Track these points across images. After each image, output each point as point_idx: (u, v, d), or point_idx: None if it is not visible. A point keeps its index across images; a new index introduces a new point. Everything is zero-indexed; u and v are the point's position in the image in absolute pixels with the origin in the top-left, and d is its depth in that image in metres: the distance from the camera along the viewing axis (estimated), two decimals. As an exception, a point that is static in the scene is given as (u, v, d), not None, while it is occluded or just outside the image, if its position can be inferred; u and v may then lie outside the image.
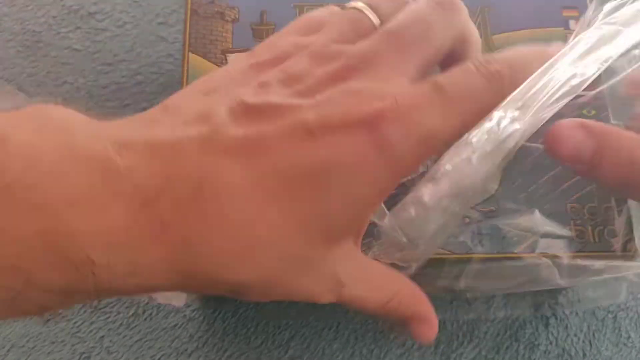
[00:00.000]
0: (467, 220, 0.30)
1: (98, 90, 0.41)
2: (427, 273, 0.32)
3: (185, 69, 0.33)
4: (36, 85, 0.41)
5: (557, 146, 0.24)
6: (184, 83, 0.32)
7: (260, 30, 0.34)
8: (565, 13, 0.35)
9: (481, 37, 0.33)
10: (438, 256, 0.30)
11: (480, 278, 0.34)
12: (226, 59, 0.33)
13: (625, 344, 0.38)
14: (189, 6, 0.34)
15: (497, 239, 0.30)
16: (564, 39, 0.34)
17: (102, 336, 0.37)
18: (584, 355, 0.37)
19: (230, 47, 0.33)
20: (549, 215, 0.30)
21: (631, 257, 0.30)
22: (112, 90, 0.41)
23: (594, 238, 0.30)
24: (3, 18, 0.43)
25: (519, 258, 0.30)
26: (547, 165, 0.31)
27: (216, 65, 0.33)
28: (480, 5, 0.35)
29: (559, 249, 0.30)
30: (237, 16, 0.34)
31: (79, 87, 0.41)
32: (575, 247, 0.30)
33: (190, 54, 0.33)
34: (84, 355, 0.36)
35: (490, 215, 0.30)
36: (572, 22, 0.35)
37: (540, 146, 0.25)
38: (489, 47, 0.34)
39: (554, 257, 0.30)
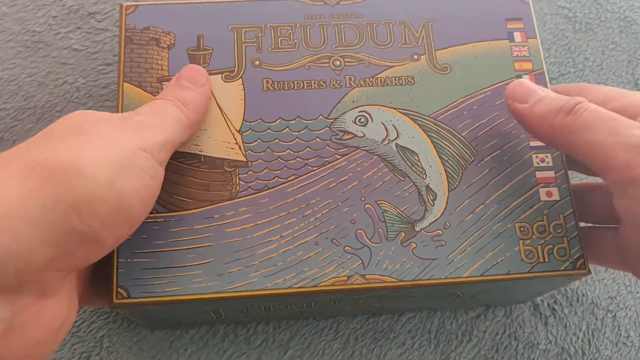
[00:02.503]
0: (414, 245, 0.30)
1: (98, 90, 0.41)
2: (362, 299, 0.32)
3: (120, 99, 0.31)
4: (36, 85, 0.41)
5: (517, 86, 0.30)
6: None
7: (197, 56, 0.33)
8: (510, 25, 0.34)
9: (425, 53, 0.33)
10: (381, 285, 0.29)
11: (424, 300, 0.34)
12: (162, 88, 0.32)
13: (624, 343, 0.38)
14: (123, 33, 0.33)
15: (444, 264, 0.30)
16: (509, 52, 0.34)
17: (102, 336, 0.36)
18: (583, 354, 0.37)
19: (167, 74, 0.32)
20: (498, 236, 0.30)
21: (582, 276, 0.30)
22: (112, 90, 0.41)
23: (544, 258, 0.30)
24: (3, 18, 0.43)
25: (466, 283, 0.30)
26: (493, 185, 0.31)
27: (152, 95, 0.32)
28: (423, 19, 0.34)
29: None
30: (172, 42, 0.33)
31: (79, 87, 0.41)
32: (525, 267, 0.30)
33: (125, 84, 0.32)
34: (83, 355, 0.36)
35: (437, 239, 0.30)
36: (517, 34, 0.34)
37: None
38: (433, 64, 0.33)
39: (503, 280, 0.30)
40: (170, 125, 0.27)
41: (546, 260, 0.30)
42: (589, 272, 0.30)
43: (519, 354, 0.37)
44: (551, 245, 0.30)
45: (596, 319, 0.38)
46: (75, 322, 0.37)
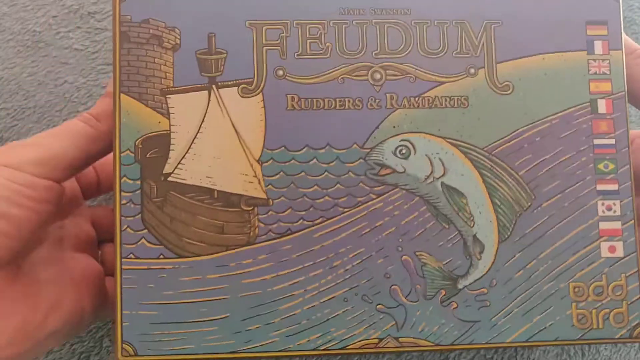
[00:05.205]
0: (455, 305, 0.26)
1: (98, 90, 0.40)
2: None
3: (118, 116, 0.26)
4: (36, 84, 0.40)
5: None
6: (117, 134, 0.26)
7: (209, 61, 0.27)
8: (591, 30, 0.28)
9: (485, 66, 0.27)
10: (416, 349, 0.26)
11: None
12: (167, 102, 0.26)
13: (624, 344, 0.37)
14: (118, 28, 0.27)
15: (487, 328, 0.26)
16: (585, 68, 0.28)
17: (102, 336, 0.36)
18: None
19: (172, 85, 0.26)
20: (549, 296, 0.27)
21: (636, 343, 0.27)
22: (112, 91, 0.39)
23: (598, 324, 0.26)
24: (3, 18, 0.42)
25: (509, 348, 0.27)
26: (549, 237, 0.27)
27: (155, 111, 0.26)
28: (485, 20, 0.27)
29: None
30: (178, 41, 0.27)
31: (78, 87, 0.40)
32: (576, 334, 0.26)
33: (122, 96, 0.26)
34: (83, 355, 0.36)
35: (481, 298, 0.27)
36: (597, 44, 0.28)
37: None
38: (493, 81, 0.27)
39: (549, 346, 0.27)
40: (57, 142, 0.27)
41: (600, 326, 0.27)
42: None
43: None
44: (607, 310, 0.27)
45: (596, 319, 0.38)
46: (75, 322, 0.37)
